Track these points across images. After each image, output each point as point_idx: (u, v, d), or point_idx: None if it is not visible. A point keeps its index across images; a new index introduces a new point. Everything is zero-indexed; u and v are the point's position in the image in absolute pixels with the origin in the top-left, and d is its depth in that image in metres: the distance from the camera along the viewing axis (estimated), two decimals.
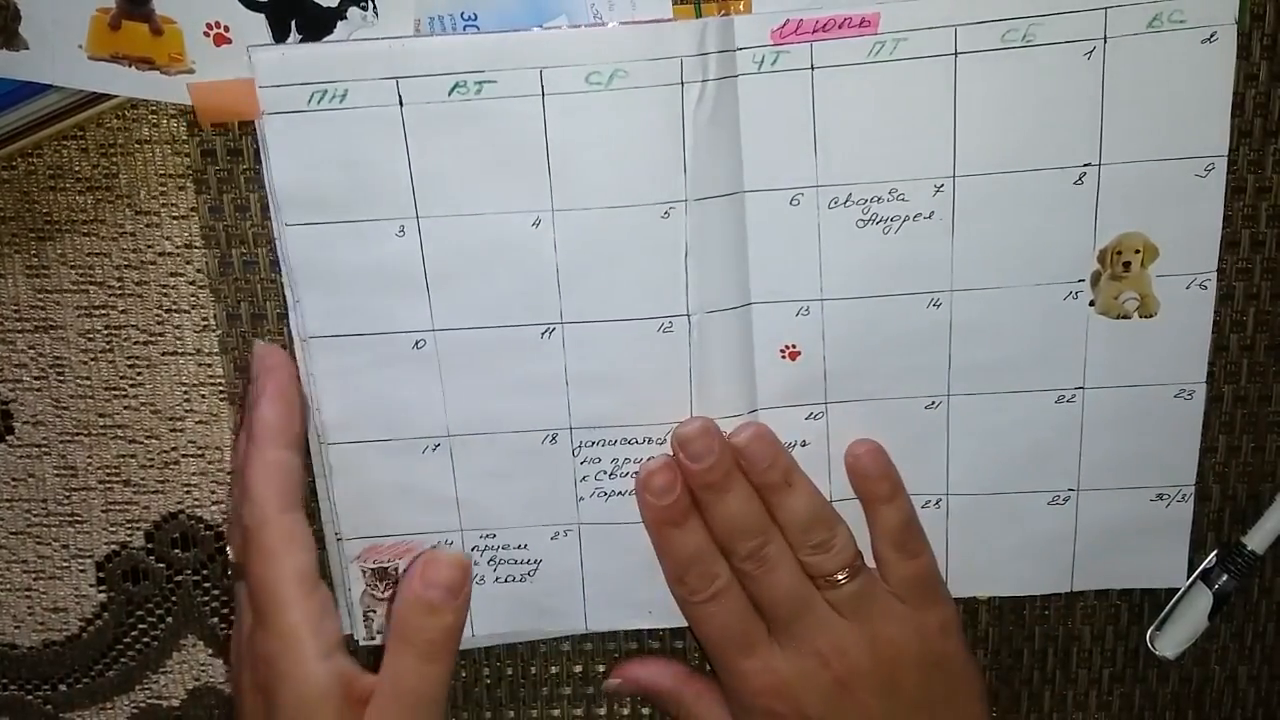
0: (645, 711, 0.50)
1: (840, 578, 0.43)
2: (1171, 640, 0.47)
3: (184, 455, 0.47)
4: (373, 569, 0.46)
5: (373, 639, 0.47)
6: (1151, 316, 0.43)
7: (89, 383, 0.46)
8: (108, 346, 0.46)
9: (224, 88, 0.41)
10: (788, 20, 0.40)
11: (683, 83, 0.40)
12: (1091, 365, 0.44)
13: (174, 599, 0.49)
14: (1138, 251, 0.42)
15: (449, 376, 0.44)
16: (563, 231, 0.42)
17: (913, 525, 0.45)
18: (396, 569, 0.47)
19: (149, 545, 0.48)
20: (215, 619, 0.49)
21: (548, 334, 0.43)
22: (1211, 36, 0.40)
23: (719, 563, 0.43)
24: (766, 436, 0.43)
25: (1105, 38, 0.40)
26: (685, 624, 0.47)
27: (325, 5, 0.40)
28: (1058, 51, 0.40)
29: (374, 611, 0.47)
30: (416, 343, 0.43)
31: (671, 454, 0.43)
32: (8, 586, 0.49)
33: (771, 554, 0.43)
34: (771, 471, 0.43)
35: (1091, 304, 0.43)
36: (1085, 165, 0.41)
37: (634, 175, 0.41)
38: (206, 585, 0.48)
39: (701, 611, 0.44)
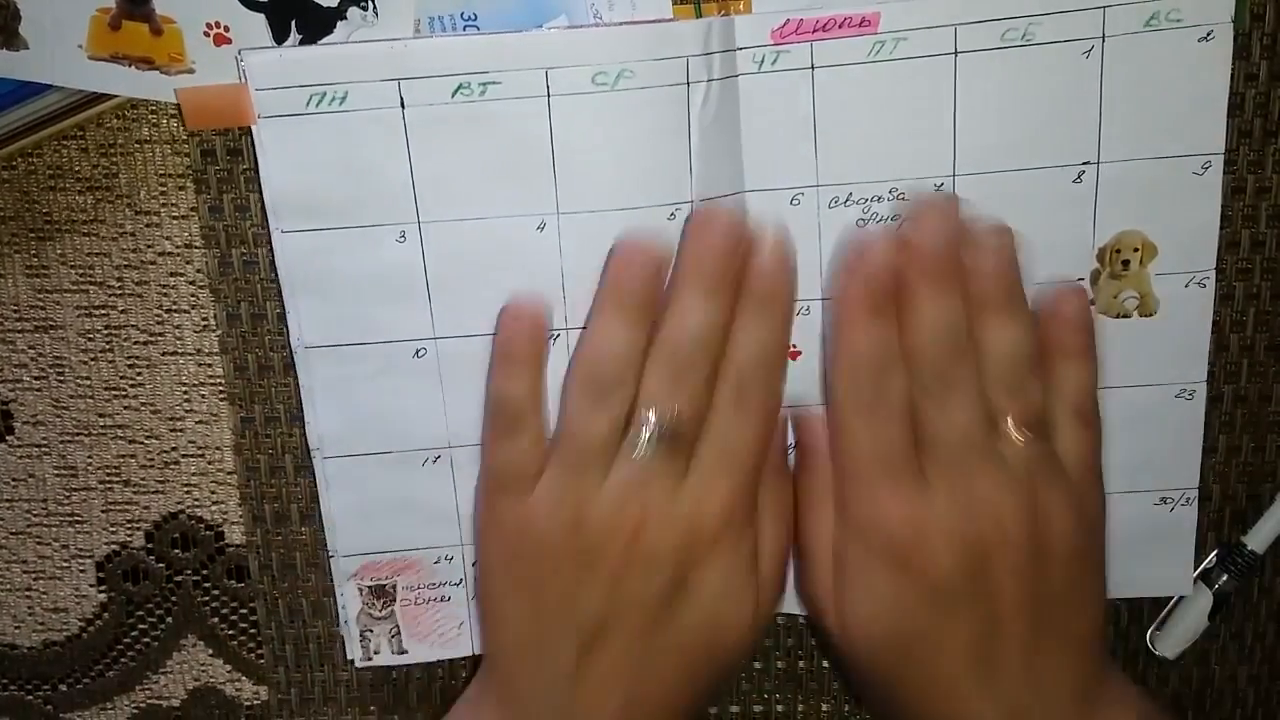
0: None
1: (1020, 435, 0.38)
2: (1171, 640, 0.47)
3: (184, 455, 0.47)
4: (369, 587, 0.46)
5: (369, 660, 0.47)
6: (1151, 315, 0.43)
7: (89, 383, 0.46)
8: (108, 346, 0.46)
9: (213, 92, 0.41)
10: (788, 20, 0.40)
11: (688, 83, 0.40)
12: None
13: (174, 599, 0.49)
14: (1136, 250, 0.42)
15: (450, 386, 0.43)
16: (568, 235, 0.41)
17: (1095, 393, 0.39)
18: (395, 586, 0.46)
19: (149, 545, 0.48)
20: (215, 619, 0.49)
21: (553, 340, 0.43)
22: (1208, 35, 0.40)
23: (899, 373, 0.38)
24: (1005, 242, 0.38)
25: (1103, 36, 0.40)
26: None
27: (325, 5, 0.40)
28: (1057, 50, 0.40)
29: (371, 631, 0.47)
30: (417, 351, 0.43)
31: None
32: (8, 586, 0.49)
33: (961, 379, 0.37)
34: (998, 285, 0.38)
35: (1091, 303, 0.43)
36: (1084, 164, 0.41)
37: (640, 177, 0.41)
38: (207, 585, 0.48)
39: (860, 422, 0.38)
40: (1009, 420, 0.38)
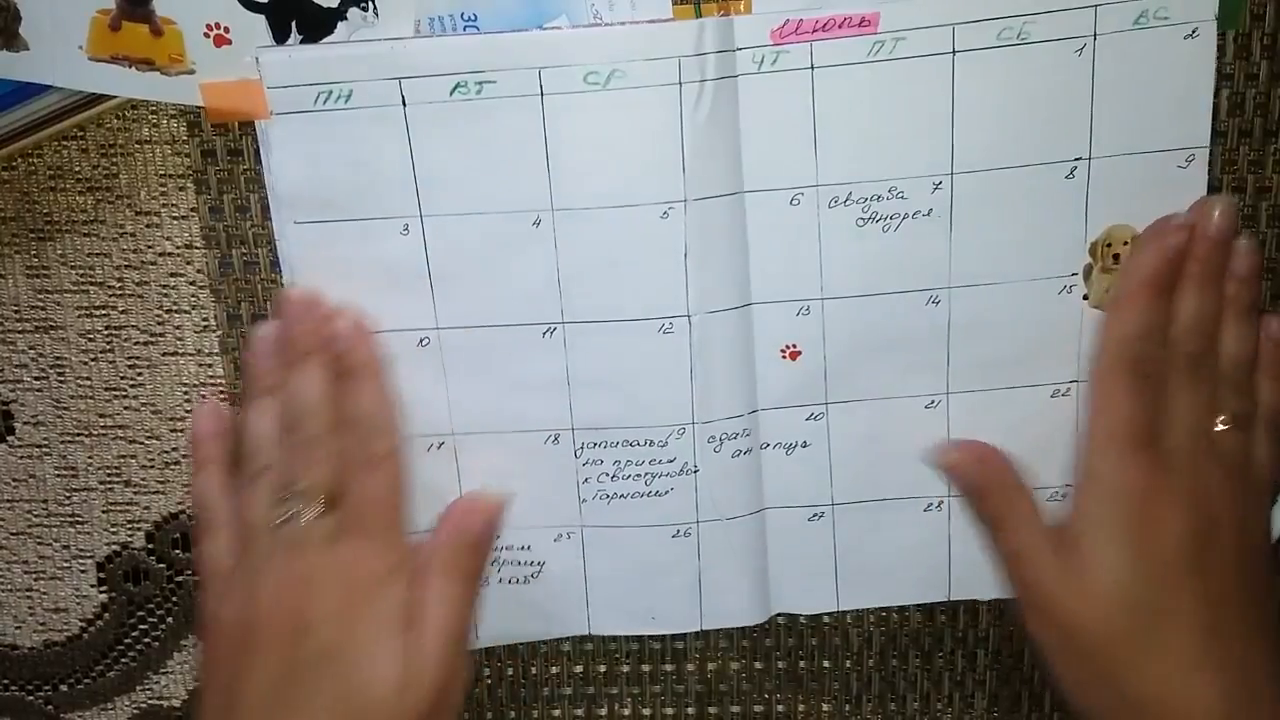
0: (646, 713, 0.50)
1: (1232, 430, 0.41)
2: None
3: (184, 455, 0.47)
4: None
5: None
6: None
7: (89, 383, 0.46)
8: (108, 347, 0.46)
9: (234, 88, 0.41)
10: (788, 20, 0.40)
11: (680, 83, 0.40)
12: (1085, 359, 0.44)
13: (175, 599, 0.49)
14: (1126, 243, 0.43)
15: (453, 375, 0.44)
16: (563, 231, 0.42)
17: None
18: None
19: (150, 545, 0.48)
20: None
21: (549, 333, 0.43)
22: (1193, 33, 0.40)
23: (1163, 350, 0.41)
24: (1258, 252, 0.41)
25: (1095, 35, 0.40)
26: (688, 630, 0.47)
27: (325, 6, 0.41)
28: (1050, 49, 0.40)
29: None
30: (421, 340, 0.43)
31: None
32: (9, 587, 0.49)
33: (1206, 367, 0.41)
34: (1245, 290, 0.41)
35: (1085, 297, 0.43)
36: (1076, 159, 0.42)
37: (632, 175, 0.41)
38: None
39: (1126, 385, 0.41)
40: (1226, 416, 0.41)
